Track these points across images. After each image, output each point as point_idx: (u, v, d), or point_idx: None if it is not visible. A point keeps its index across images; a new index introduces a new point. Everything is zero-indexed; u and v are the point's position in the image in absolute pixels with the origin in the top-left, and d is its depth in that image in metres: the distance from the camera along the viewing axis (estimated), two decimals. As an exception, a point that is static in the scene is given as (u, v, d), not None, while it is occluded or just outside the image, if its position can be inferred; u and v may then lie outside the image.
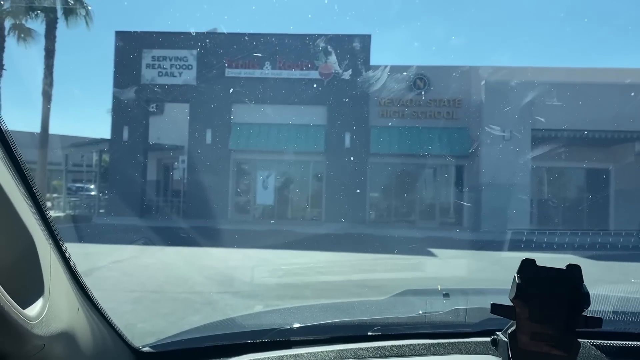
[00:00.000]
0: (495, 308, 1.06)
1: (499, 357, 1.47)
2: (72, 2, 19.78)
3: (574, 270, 1.01)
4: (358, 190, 18.68)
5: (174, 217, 19.60)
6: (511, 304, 1.04)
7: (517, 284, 1.02)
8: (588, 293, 1.00)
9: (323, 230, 16.19)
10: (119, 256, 9.78)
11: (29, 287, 0.87)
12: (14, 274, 0.82)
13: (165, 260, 10.05)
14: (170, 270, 8.80)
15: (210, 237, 13.88)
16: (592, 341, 1.50)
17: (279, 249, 11.82)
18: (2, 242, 0.82)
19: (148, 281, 7.67)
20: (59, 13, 19.92)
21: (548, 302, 1.02)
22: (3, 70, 19.15)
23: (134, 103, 19.63)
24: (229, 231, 15.25)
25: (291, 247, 12.17)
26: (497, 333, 1.20)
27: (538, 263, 1.03)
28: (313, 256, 10.96)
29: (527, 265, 1.02)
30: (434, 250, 11.80)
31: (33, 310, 0.85)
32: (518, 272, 1.03)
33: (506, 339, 1.09)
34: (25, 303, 0.83)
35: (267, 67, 19.63)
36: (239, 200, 20.43)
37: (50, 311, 0.91)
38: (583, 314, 1.01)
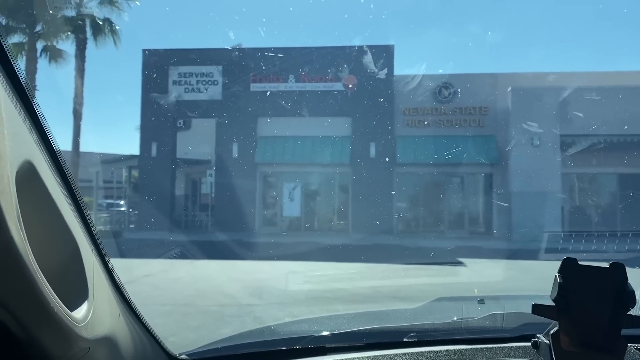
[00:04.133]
0: (537, 308, 1.04)
1: None
2: (100, 23, 20.32)
3: (618, 269, 0.99)
4: (385, 201, 18.58)
5: (203, 230, 19.78)
6: (553, 304, 1.02)
7: (559, 283, 0.99)
8: (633, 291, 0.97)
9: (350, 241, 16.12)
10: (150, 270, 9.90)
11: (75, 291, 0.90)
12: (62, 278, 0.84)
13: (194, 273, 10.14)
14: (199, 283, 8.87)
15: (238, 249, 13.96)
16: (637, 345, 1.45)
17: (307, 260, 11.82)
18: (52, 248, 0.85)
19: (178, 295, 7.75)
20: (88, 33, 20.47)
21: (591, 302, 0.99)
22: (36, 91, 19.73)
23: (161, 119, 19.99)
24: (256, 244, 15.33)
25: (319, 258, 12.14)
26: (538, 335, 1.17)
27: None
28: (341, 267, 10.91)
29: (568, 265, 1.00)
30: (464, 260, 11.64)
31: (79, 313, 0.87)
32: (559, 272, 1.01)
33: (548, 341, 1.06)
34: (72, 306, 0.86)
35: (291, 81, 19.80)
36: (266, 213, 20.53)
37: (95, 315, 0.93)
38: (629, 313, 0.98)
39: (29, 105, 0.77)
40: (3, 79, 0.70)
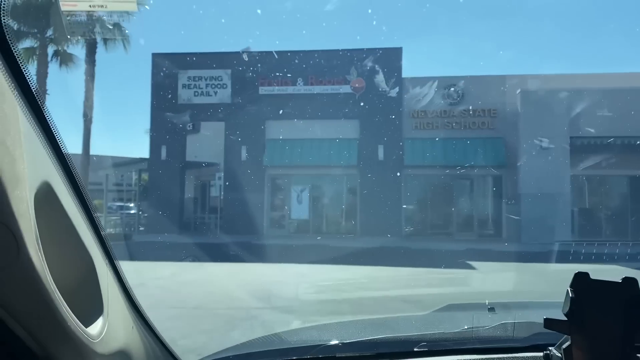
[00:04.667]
0: (549, 323, 1.03)
1: None
2: (110, 27, 20.47)
3: (631, 283, 0.98)
4: (393, 203, 18.55)
5: (212, 233, 19.84)
6: (565, 319, 1.02)
7: (571, 298, 0.99)
8: None
9: (358, 244, 16.10)
10: (160, 273, 9.94)
11: (91, 307, 0.91)
12: (78, 295, 0.86)
13: (204, 276, 10.16)
14: (209, 286, 8.90)
15: (247, 252, 13.99)
16: None
17: (315, 263, 11.81)
18: (69, 267, 0.86)
19: (188, 297, 7.78)
20: (98, 38, 20.64)
21: (604, 317, 0.99)
22: (47, 95, 19.90)
23: (171, 123, 20.10)
24: (265, 246, 15.35)
25: (327, 261, 12.13)
26: (550, 348, 1.17)
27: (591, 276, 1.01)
28: (349, 270, 10.90)
29: (580, 279, 1.00)
30: (473, 263, 11.59)
31: (95, 329, 0.88)
32: (571, 286, 1.01)
33: (560, 355, 1.06)
34: (88, 322, 0.87)
35: (299, 84, 19.84)
36: (274, 216, 20.56)
37: (110, 330, 0.94)
38: None
39: (45, 126, 0.79)
40: (21, 101, 0.71)
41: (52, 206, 0.79)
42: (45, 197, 0.75)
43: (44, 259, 0.71)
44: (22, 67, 0.71)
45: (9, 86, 0.67)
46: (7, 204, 0.62)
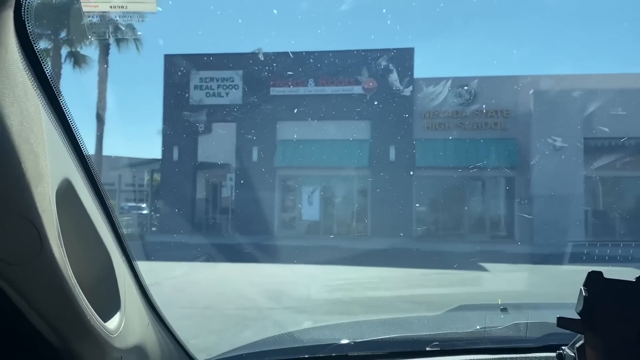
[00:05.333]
0: (562, 322, 1.03)
1: None
2: (123, 29, 20.64)
3: None
4: (404, 204, 18.49)
5: (223, 234, 19.92)
6: (578, 318, 1.01)
7: (585, 297, 0.99)
8: None
9: (369, 246, 16.07)
10: (171, 273, 10.00)
11: (109, 302, 0.93)
12: (97, 290, 0.87)
13: (215, 276, 10.21)
14: (220, 286, 8.94)
15: (258, 253, 14.03)
16: None
17: (326, 264, 11.81)
18: (88, 262, 0.88)
19: (199, 297, 7.82)
20: (111, 39, 20.83)
21: (618, 316, 0.99)
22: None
23: (183, 123, 20.21)
24: (276, 247, 15.38)
25: (338, 262, 12.13)
26: (563, 348, 1.16)
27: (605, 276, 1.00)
28: (360, 271, 10.89)
29: (594, 278, 1.00)
30: (484, 265, 11.52)
31: (112, 323, 0.90)
32: (585, 285, 1.01)
33: (573, 354, 1.06)
34: (106, 317, 0.89)
35: (310, 84, 19.85)
36: (285, 217, 20.58)
37: (127, 325, 0.96)
38: None
39: (66, 125, 0.81)
40: (43, 101, 0.73)
41: (72, 203, 0.81)
42: (65, 194, 0.77)
43: (65, 254, 0.73)
44: (44, 68, 0.73)
45: (32, 86, 0.69)
46: (31, 199, 0.64)
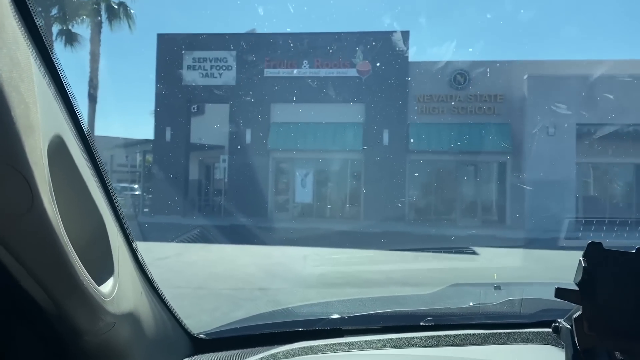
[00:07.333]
0: (560, 292, 1.02)
1: (557, 346, 1.43)
2: (115, 7, 20.35)
3: None
4: (397, 188, 18.54)
5: (216, 215, 19.91)
6: (576, 289, 1.00)
7: (584, 267, 0.98)
8: None
9: (362, 228, 16.14)
10: (164, 253, 9.99)
11: (102, 266, 0.91)
12: (89, 253, 0.85)
13: (208, 257, 10.22)
14: (213, 267, 8.94)
15: (251, 235, 14.04)
16: None
17: (319, 246, 11.85)
18: (80, 223, 0.86)
19: (192, 278, 7.82)
20: (104, 18, 20.53)
21: (616, 287, 0.98)
22: (52, 75, 19.83)
23: (175, 104, 20.05)
24: (269, 229, 15.39)
25: (330, 244, 12.17)
26: (559, 320, 1.16)
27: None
28: (352, 254, 10.93)
29: (593, 248, 0.99)
30: (476, 249, 11.59)
31: (106, 288, 0.88)
32: (584, 256, 0.99)
33: (569, 326, 1.05)
34: (99, 281, 0.87)
35: (305, 66, 19.71)
36: (278, 199, 20.58)
37: (120, 291, 0.94)
38: None
39: (57, 78, 0.77)
40: (36, 56, 0.70)
41: (63, 159, 0.78)
42: (56, 149, 0.74)
43: (57, 211, 0.70)
44: (35, 19, 0.70)
45: (23, 35, 0.66)
46: (22, 151, 0.61)
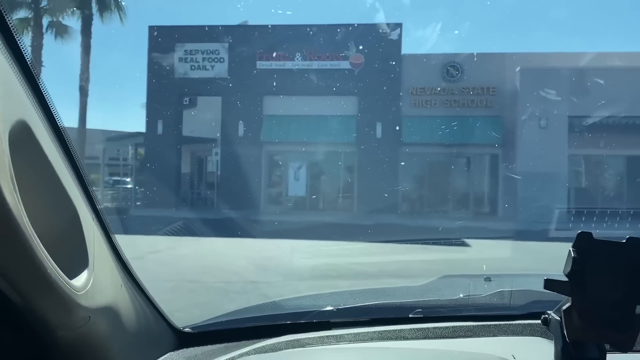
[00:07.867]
0: (549, 283, 1.00)
1: (547, 338, 1.41)
2: (106, -1, 20.13)
3: (635, 244, 0.95)
4: (390, 180, 18.55)
5: (208, 208, 19.84)
6: (566, 280, 0.98)
7: (573, 257, 0.96)
8: None
9: (355, 221, 16.14)
10: (156, 247, 9.95)
11: (74, 259, 0.87)
12: (60, 246, 0.81)
13: (200, 250, 10.19)
14: (205, 260, 8.92)
15: (243, 228, 14.00)
16: None
17: (312, 239, 11.85)
18: (49, 214, 0.82)
19: (184, 271, 7.79)
20: (94, 9, 20.31)
21: (606, 278, 0.96)
22: (42, 67, 19.66)
23: (167, 97, 19.91)
24: (261, 222, 15.37)
25: (323, 237, 12.17)
26: (548, 312, 1.14)
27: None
28: (345, 246, 10.95)
29: (583, 239, 0.96)
30: (468, 241, 11.64)
31: (79, 281, 0.85)
32: (573, 246, 0.97)
33: (559, 317, 1.03)
34: (71, 274, 0.83)
35: (297, 59, 19.62)
36: (271, 192, 20.54)
37: (95, 284, 0.91)
38: None
39: (21, 60, 0.73)
40: None
41: (29, 147, 0.74)
42: (20, 136, 0.70)
43: (20, 201, 0.67)
44: None
45: None
46: None
